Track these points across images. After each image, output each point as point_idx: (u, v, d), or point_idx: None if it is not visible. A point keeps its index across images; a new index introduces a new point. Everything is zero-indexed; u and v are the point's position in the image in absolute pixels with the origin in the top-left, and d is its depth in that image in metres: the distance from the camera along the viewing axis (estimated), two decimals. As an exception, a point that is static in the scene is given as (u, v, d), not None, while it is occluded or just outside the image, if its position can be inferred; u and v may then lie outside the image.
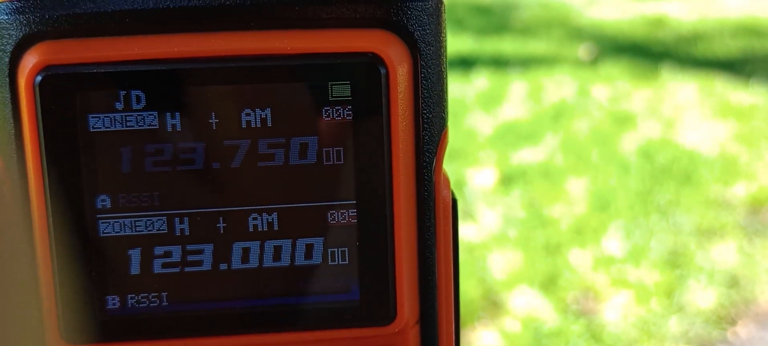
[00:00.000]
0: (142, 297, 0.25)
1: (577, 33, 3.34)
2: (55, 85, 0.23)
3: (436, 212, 0.26)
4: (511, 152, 2.10)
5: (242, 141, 0.24)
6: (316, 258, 0.25)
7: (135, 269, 0.25)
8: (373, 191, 0.25)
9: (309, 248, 0.25)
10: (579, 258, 1.64)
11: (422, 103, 0.25)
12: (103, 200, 0.24)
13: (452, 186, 0.26)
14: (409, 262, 0.25)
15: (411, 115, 0.25)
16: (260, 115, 0.24)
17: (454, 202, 0.26)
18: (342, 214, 0.25)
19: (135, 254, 0.25)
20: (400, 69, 0.24)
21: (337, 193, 0.25)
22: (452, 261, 0.26)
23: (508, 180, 1.94)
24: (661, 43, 3.22)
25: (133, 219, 0.24)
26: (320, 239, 0.25)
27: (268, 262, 0.25)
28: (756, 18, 3.60)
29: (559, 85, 2.65)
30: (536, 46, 3.12)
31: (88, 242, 0.24)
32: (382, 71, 0.24)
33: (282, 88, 0.24)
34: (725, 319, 1.48)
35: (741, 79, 2.73)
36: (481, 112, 2.38)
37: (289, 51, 0.24)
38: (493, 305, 1.47)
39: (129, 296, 0.25)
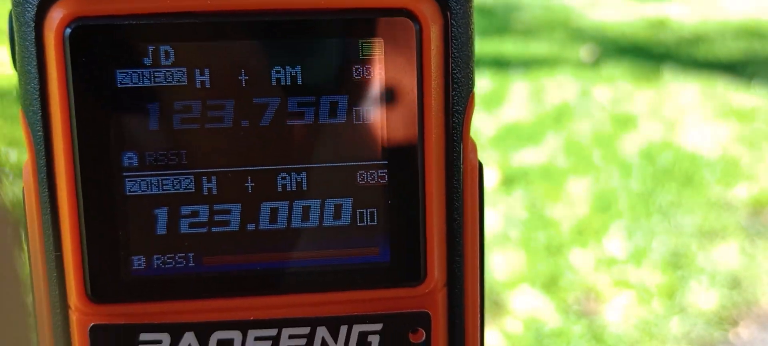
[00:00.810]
0: (169, 258, 0.25)
1: (578, 34, 3.34)
2: (85, 38, 0.23)
3: (464, 176, 0.26)
4: (512, 153, 2.10)
5: (272, 99, 0.24)
6: (345, 219, 0.25)
7: (161, 229, 0.25)
8: (405, 151, 0.24)
9: (338, 209, 0.25)
10: (580, 259, 1.64)
11: (452, 63, 0.25)
12: (129, 158, 0.24)
13: None
14: (438, 224, 0.25)
15: (442, 74, 0.24)
16: (290, 72, 0.24)
17: (481, 166, 0.26)
18: (371, 174, 0.25)
19: (161, 214, 0.24)
20: (434, 27, 0.24)
21: (368, 153, 0.24)
22: (479, 225, 0.26)
23: (509, 181, 1.94)
24: (663, 44, 3.22)
25: (160, 177, 0.24)
26: (349, 200, 0.25)
27: (297, 222, 0.25)
28: (758, 20, 3.60)
29: (560, 87, 2.65)
30: (538, 48, 3.12)
31: (114, 201, 0.24)
32: (416, 28, 0.24)
33: (312, 45, 0.24)
34: (727, 320, 1.48)
35: (743, 81, 2.73)
36: (483, 112, 2.38)
37: (320, 6, 0.24)
38: (495, 305, 1.47)
39: (155, 256, 0.25)
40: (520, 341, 1.40)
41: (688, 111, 2.48)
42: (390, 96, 0.24)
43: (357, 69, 0.24)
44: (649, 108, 2.49)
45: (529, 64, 2.84)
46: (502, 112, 2.40)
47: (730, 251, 1.69)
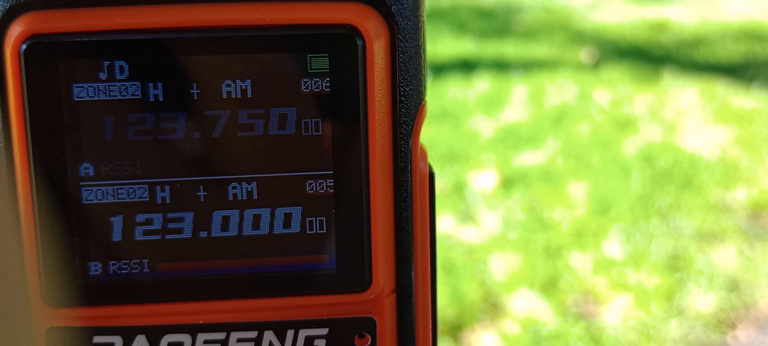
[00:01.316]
0: (124, 263, 0.26)
1: (578, 37, 3.34)
2: (40, 54, 0.24)
3: (412, 184, 0.26)
4: (512, 155, 2.10)
5: (222, 111, 0.25)
6: (294, 227, 0.26)
7: (117, 236, 0.25)
8: (350, 161, 0.25)
9: (287, 217, 0.26)
10: (579, 261, 1.64)
11: (399, 76, 0.26)
12: (86, 168, 0.25)
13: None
14: (384, 231, 0.26)
15: (387, 88, 0.25)
16: (240, 86, 0.25)
17: (432, 174, 0.27)
18: (319, 184, 0.25)
19: (117, 221, 0.25)
20: (377, 42, 0.25)
21: (315, 163, 0.25)
22: (429, 232, 0.27)
23: (508, 183, 1.95)
24: (663, 47, 3.22)
25: (115, 187, 0.25)
26: (298, 209, 0.26)
27: (247, 230, 0.26)
28: (757, 23, 3.61)
29: (560, 89, 2.65)
30: (538, 50, 3.12)
31: (71, 209, 0.25)
32: (359, 43, 0.25)
33: (262, 59, 0.25)
34: (725, 323, 1.48)
35: (742, 84, 2.73)
36: (483, 115, 2.38)
37: (269, 22, 0.24)
38: (493, 307, 1.47)
39: (111, 262, 0.26)
40: (518, 343, 1.40)
41: (688, 113, 2.48)
42: (336, 108, 0.25)
43: (305, 82, 0.25)
44: (648, 110, 2.49)
45: (529, 66, 2.84)
46: (501, 114, 2.40)
47: (728, 254, 1.69)
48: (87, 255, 0.25)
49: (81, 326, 0.25)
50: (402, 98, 0.26)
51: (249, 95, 0.25)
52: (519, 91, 2.62)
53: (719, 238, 1.75)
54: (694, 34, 3.40)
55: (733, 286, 1.58)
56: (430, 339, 0.27)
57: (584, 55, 3.03)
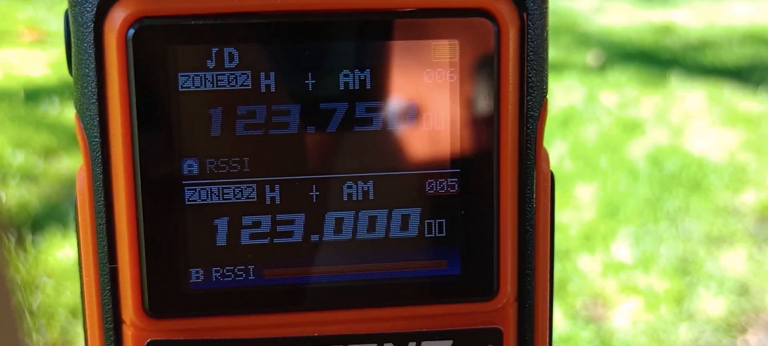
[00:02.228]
0: (228, 270, 0.23)
1: (585, 39, 3.33)
2: (149, 39, 0.22)
3: (537, 186, 0.24)
4: (519, 158, 2.10)
5: (339, 104, 0.23)
6: (413, 230, 0.24)
7: (221, 240, 0.23)
8: (478, 159, 0.23)
9: (405, 219, 0.24)
10: (588, 264, 1.64)
11: (528, 66, 0.23)
12: (189, 166, 0.23)
13: None
14: (511, 236, 0.24)
15: (517, 79, 0.23)
16: (359, 76, 0.23)
17: (553, 176, 0.25)
18: (441, 183, 0.23)
19: (221, 224, 0.23)
20: (511, 28, 0.23)
21: (437, 160, 0.23)
22: (550, 238, 0.25)
23: (516, 185, 1.94)
24: (669, 50, 3.22)
25: (220, 186, 0.23)
26: (417, 210, 0.24)
27: (362, 233, 0.24)
28: (765, 26, 3.60)
29: (567, 92, 2.65)
30: (544, 52, 3.12)
31: (172, 211, 0.23)
32: (495, 29, 0.23)
33: (383, 47, 0.23)
34: (735, 327, 1.48)
35: (750, 87, 2.73)
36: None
37: (394, 6, 0.22)
38: (502, 311, 1.47)
39: (214, 268, 0.23)
40: (527, 346, 1.40)
41: (695, 117, 2.47)
42: (464, 101, 0.23)
43: (429, 73, 0.23)
44: (655, 113, 2.48)
45: (536, 69, 2.84)
46: (508, 117, 2.40)
47: (738, 258, 1.68)
48: (189, 261, 0.23)
49: (185, 339, 0.23)
50: (530, 91, 0.24)
51: (368, 87, 0.23)
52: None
53: (728, 242, 1.74)
54: (700, 38, 3.40)
55: (743, 290, 1.57)
56: None
57: (591, 57, 3.03)
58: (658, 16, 3.77)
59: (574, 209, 1.86)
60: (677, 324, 1.47)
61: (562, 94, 2.62)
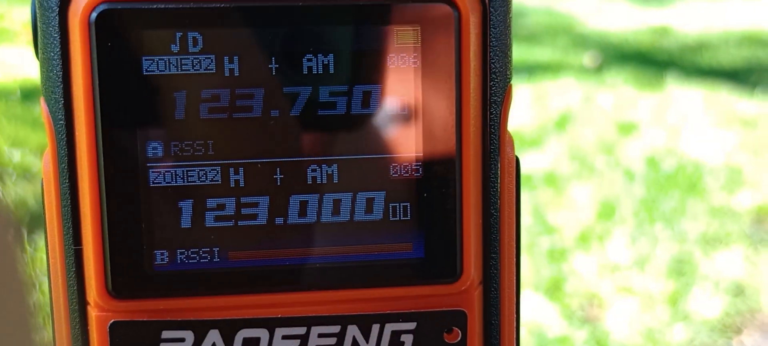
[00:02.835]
0: (192, 252, 0.24)
1: (582, 41, 3.34)
2: (112, 23, 0.22)
3: (501, 170, 0.25)
4: (515, 158, 2.10)
5: (303, 88, 0.23)
6: (378, 213, 0.24)
7: (186, 223, 0.24)
8: (441, 143, 0.23)
9: (370, 202, 0.24)
10: (584, 265, 1.64)
11: (491, 52, 0.24)
12: (154, 148, 0.23)
13: None
14: (475, 218, 0.24)
15: (480, 64, 0.24)
16: (322, 60, 0.23)
17: (518, 161, 0.26)
18: (405, 167, 0.24)
19: (186, 206, 0.23)
20: (472, 15, 0.23)
21: (402, 144, 0.24)
22: (515, 222, 0.25)
23: (512, 186, 1.94)
24: (666, 51, 3.22)
25: (185, 168, 0.23)
26: (382, 193, 0.24)
27: (327, 216, 0.24)
28: (761, 29, 3.61)
29: (564, 92, 2.65)
30: (541, 53, 3.12)
31: (137, 192, 0.23)
32: (455, 15, 0.23)
33: (346, 32, 0.23)
34: (730, 328, 1.48)
35: (746, 89, 2.74)
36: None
37: None
38: (498, 311, 1.47)
39: (179, 250, 0.24)
40: (523, 346, 1.40)
41: (692, 118, 2.48)
42: (426, 86, 0.23)
43: (392, 57, 0.23)
44: (652, 115, 2.49)
45: (533, 70, 2.85)
46: (505, 118, 2.41)
47: (733, 259, 1.69)
48: (154, 243, 0.23)
49: (149, 319, 0.23)
50: (493, 77, 0.24)
51: (331, 71, 0.23)
52: (523, 94, 2.62)
53: (724, 243, 1.74)
54: (697, 39, 3.41)
55: (739, 291, 1.58)
56: (515, 335, 0.26)
57: (588, 58, 3.03)
58: (655, 17, 3.77)
59: (570, 210, 1.86)
60: (672, 325, 1.47)
61: (559, 94, 2.62)
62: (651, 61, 3.06)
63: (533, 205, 1.88)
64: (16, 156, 1.81)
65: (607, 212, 1.85)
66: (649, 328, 1.46)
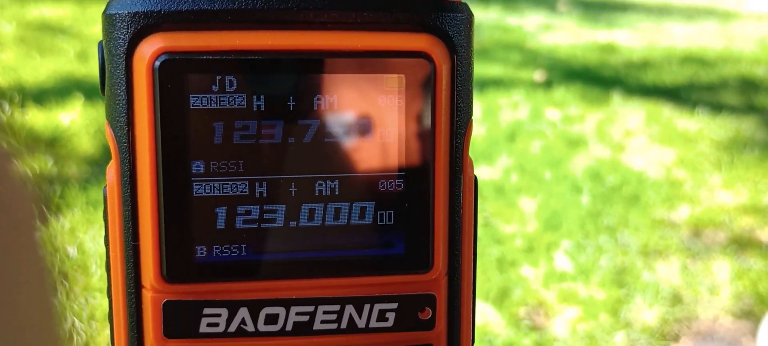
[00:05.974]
0: (226, 248, 0.30)
1: (532, 57, 3.40)
2: (169, 69, 0.28)
3: (463, 186, 0.31)
4: (467, 170, 2.13)
5: (313, 120, 0.29)
6: (368, 218, 0.30)
7: (220, 224, 0.30)
8: (419, 165, 0.30)
9: (363, 210, 0.30)
10: (531, 274, 1.68)
11: (457, 95, 0.30)
12: (197, 166, 0.29)
13: None
14: (443, 224, 0.31)
15: (449, 105, 0.30)
16: (329, 99, 0.29)
17: (476, 179, 0.32)
18: (390, 183, 0.30)
19: (221, 212, 0.29)
20: (444, 66, 0.30)
21: (388, 166, 0.30)
22: (473, 226, 0.32)
23: (463, 197, 1.96)
24: (612, 69, 3.29)
25: (221, 182, 0.29)
26: (372, 203, 0.30)
27: (330, 221, 0.30)
28: (702, 48, 3.72)
29: (514, 107, 2.69)
30: (493, 68, 3.16)
31: (184, 200, 0.29)
32: (431, 67, 0.29)
33: (348, 79, 0.29)
34: (668, 335, 1.53)
35: (687, 107, 2.81)
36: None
37: (356, 48, 0.29)
38: (448, 318, 1.49)
39: (215, 246, 0.30)
40: (472, 352, 1.43)
41: (635, 134, 2.54)
42: (408, 120, 0.30)
43: (381, 99, 0.29)
44: (598, 130, 2.55)
45: (485, 84, 2.88)
46: (457, 131, 2.42)
47: (672, 269, 1.74)
48: (195, 240, 0.29)
49: (194, 299, 0.29)
50: (458, 114, 0.31)
51: (336, 108, 0.29)
52: (474, 108, 2.65)
53: (663, 254, 1.80)
54: (642, 58, 3.49)
55: (677, 299, 1.63)
56: (471, 313, 0.32)
57: (538, 74, 3.09)
58: (602, 36, 3.86)
59: (519, 221, 1.90)
60: (614, 332, 1.51)
61: (509, 109, 2.67)
62: (598, 78, 3.13)
63: (483, 216, 1.91)
64: None
65: (554, 223, 1.90)
66: (592, 335, 1.50)
